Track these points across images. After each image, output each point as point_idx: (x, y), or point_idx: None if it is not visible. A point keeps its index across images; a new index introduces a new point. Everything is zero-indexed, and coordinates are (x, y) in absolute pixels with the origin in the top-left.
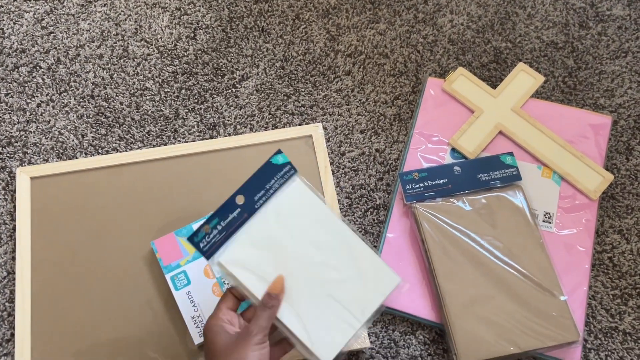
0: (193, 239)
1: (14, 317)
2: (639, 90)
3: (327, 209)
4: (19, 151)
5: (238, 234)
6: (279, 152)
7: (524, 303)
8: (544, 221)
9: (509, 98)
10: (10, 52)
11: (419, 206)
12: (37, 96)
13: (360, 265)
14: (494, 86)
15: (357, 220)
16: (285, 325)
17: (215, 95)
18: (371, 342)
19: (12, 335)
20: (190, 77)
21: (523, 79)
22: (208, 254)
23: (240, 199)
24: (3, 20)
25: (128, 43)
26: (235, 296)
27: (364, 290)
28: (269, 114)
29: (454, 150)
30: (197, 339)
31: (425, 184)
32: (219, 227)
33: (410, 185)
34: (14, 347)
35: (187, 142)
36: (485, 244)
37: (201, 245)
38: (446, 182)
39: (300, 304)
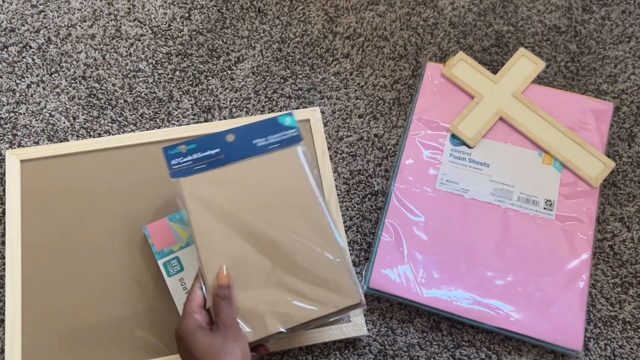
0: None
1: (4, 303)
2: None
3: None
4: (9, 133)
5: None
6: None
7: (302, 271)
8: (545, 209)
9: (510, 84)
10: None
11: (182, 181)
12: (27, 77)
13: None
14: (495, 71)
15: (354, 207)
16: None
17: (210, 78)
18: (368, 329)
19: (2, 321)
20: (185, 59)
21: (524, 65)
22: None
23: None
24: None
25: (121, 23)
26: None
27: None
28: (266, 97)
29: (453, 136)
30: None
31: (195, 156)
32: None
33: (176, 160)
34: (4, 333)
35: (181, 125)
36: (258, 212)
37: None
38: (219, 152)
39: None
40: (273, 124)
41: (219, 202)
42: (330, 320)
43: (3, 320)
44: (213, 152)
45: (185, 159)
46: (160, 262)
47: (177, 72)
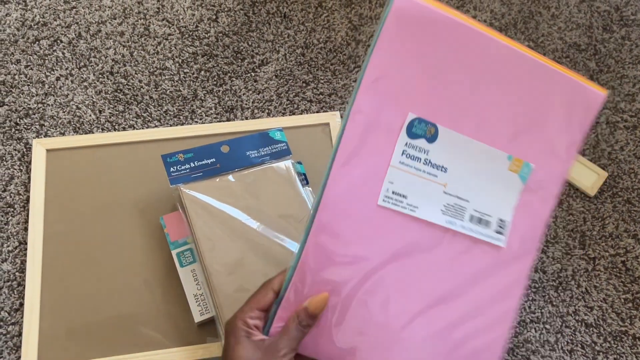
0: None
1: (24, 287)
2: None
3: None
4: (36, 123)
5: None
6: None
7: None
8: (496, 232)
9: None
10: (32, 24)
11: (183, 187)
12: (57, 70)
13: None
14: None
15: None
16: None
17: (234, 79)
18: None
19: (21, 305)
20: (210, 59)
21: None
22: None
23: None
24: None
25: (149, 22)
26: (274, 292)
27: None
28: (287, 100)
29: (414, 123)
30: (198, 317)
31: (192, 164)
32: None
33: (175, 167)
34: (22, 317)
35: (204, 123)
36: (251, 218)
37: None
38: (214, 162)
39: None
40: (264, 138)
41: (217, 208)
42: None
43: (22, 305)
44: (209, 161)
45: (183, 167)
46: (174, 253)
47: (202, 72)
